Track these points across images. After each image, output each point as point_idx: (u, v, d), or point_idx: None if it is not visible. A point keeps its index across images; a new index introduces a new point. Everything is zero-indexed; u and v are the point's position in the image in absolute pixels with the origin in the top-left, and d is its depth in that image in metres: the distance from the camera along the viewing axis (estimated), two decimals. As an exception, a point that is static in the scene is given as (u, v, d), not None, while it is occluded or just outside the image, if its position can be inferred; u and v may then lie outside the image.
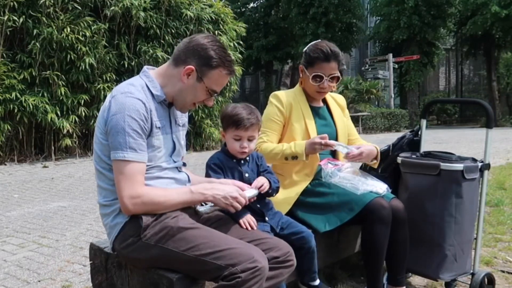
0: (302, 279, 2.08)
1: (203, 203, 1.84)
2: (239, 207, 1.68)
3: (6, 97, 7.75)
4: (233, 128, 1.85)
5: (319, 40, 2.40)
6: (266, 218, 1.94)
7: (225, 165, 1.91)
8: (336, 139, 2.40)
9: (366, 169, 2.58)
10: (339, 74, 2.32)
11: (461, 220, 2.24)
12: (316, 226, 2.15)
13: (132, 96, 1.61)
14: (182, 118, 1.87)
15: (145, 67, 1.79)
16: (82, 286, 2.67)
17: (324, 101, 2.50)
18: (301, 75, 2.41)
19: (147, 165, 1.64)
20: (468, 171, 2.21)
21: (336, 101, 2.56)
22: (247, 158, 1.95)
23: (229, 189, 1.68)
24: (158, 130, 1.68)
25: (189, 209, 1.74)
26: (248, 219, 1.81)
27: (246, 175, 1.90)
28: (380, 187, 2.19)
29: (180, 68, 1.69)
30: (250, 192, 1.76)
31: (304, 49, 2.39)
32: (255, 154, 2.00)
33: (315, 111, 2.41)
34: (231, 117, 1.85)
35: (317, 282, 2.07)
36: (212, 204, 1.71)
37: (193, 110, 9.69)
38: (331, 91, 2.46)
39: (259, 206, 1.93)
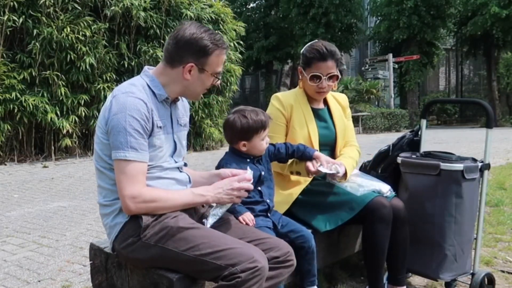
0: (301, 283, 2.06)
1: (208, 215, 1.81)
2: (246, 194, 1.72)
3: (6, 97, 7.74)
4: (262, 131, 1.95)
5: (315, 40, 2.39)
6: (268, 214, 1.97)
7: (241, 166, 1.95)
8: (335, 142, 2.39)
9: (366, 170, 2.58)
10: (337, 73, 2.30)
11: (461, 220, 2.24)
12: (316, 226, 2.15)
13: (134, 95, 1.62)
14: (184, 118, 1.87)
15: (145, 67, 1.79)
16: (82, 286, 2.67)
17: (325, 102, 2.47)
18: (300, 76, 2.39)
19: (148, 165, 1.64)
20: (468, 171, 2.21)
21: (338, 101, 2.52)
22: (261, 157, 2.04)
23: (225, 185, 1.69)
24: (159, 129, 1.68)
25: (189, 209, 1.74)
26: (248, 216, 1.86)
27: (263, 173, 1.98)
28: (383, 187, 2.20)
29: (178, 69, 1.69)
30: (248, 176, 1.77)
31: (301, 51, 2.38)
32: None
33: (316, 113, 2.38)
34: (255, 124, 1.93)
35: None
36: (215, 218, 1.72)
37: (193, 110, 9.71)
38: (332, 90, 2.45)
39: (269, 201, 2.00)
